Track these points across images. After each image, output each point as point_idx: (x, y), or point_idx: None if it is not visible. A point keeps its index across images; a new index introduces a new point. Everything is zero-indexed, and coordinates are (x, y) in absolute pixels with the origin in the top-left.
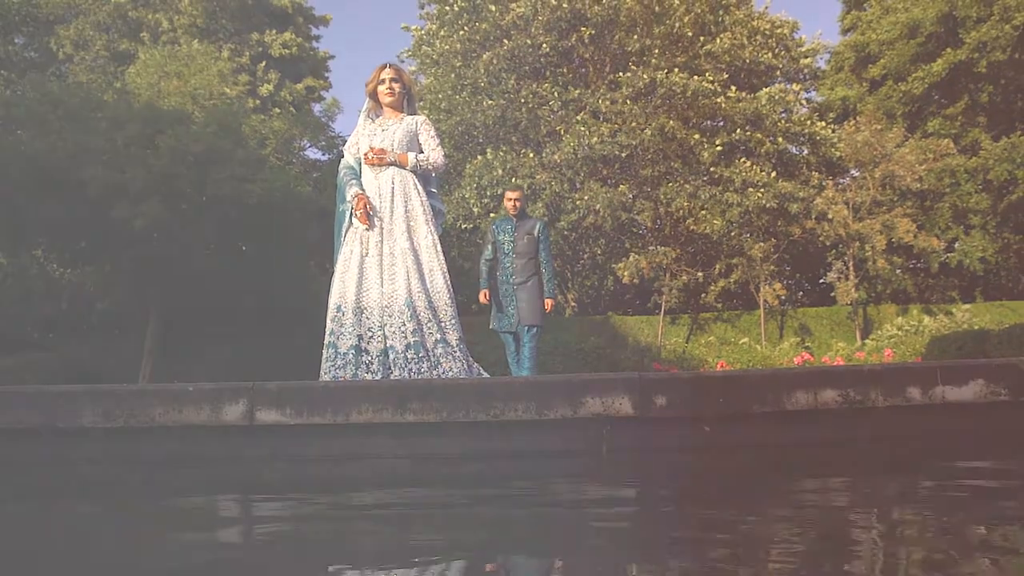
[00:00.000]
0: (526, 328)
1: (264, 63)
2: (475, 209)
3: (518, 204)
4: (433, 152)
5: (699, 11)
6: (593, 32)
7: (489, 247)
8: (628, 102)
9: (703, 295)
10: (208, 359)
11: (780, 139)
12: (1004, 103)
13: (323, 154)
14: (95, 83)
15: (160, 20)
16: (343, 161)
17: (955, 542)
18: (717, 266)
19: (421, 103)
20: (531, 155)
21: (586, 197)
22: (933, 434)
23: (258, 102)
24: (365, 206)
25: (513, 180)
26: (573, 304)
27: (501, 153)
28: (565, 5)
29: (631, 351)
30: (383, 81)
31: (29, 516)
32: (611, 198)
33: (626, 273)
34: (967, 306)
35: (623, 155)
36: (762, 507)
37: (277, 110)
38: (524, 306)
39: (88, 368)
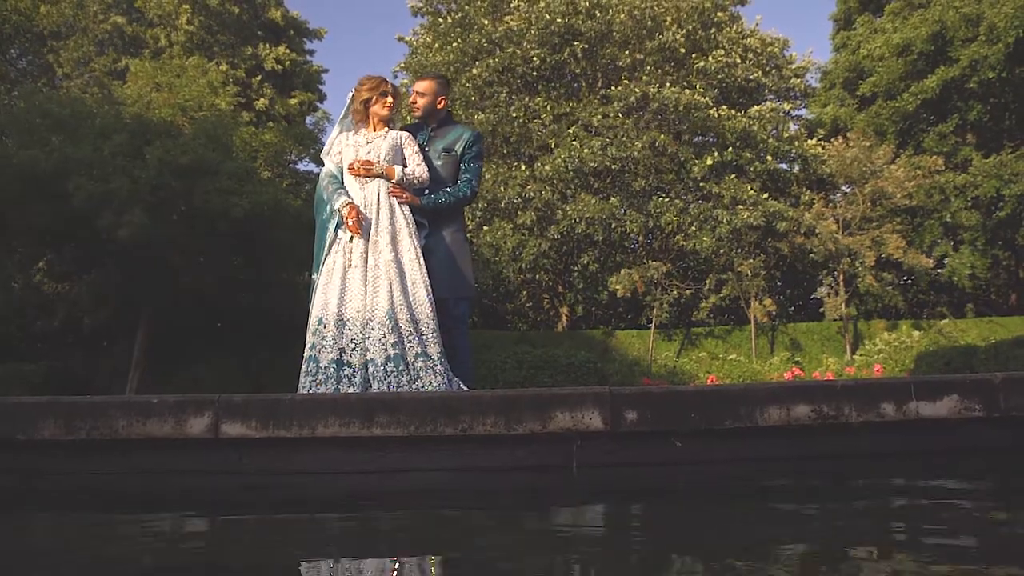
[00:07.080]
0: (453, 303)
1: (259, 76)
2: (468, 224)
3: (430, 102)
4: (418, 167)
5: (691, 28)
6: (586, 47)
7: None
8: (620, 116)
9: (694, 310)
10: (197, 371)
11: (769, 158)
12: (993, 121)
13: (315, 166)
14: (90, 96)
15: (159, 36)
16: (324, 169)
17: None
18: (708, 281)
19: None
20: (523, 167)
21: (578, 207)
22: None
23: (253, 116)
24: (357, 215)
25: (503, 189)
26: (565, 317)
27: (492, 166)
28: (559, 20)
29: (621, 365)
30: (384, 94)
31: None
32: (602, 209)
33: (619, 286)
34: (944, 322)
35: (613, 167)
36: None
37: (271, 123)
38: (443, 268)
39: (77, 379)
